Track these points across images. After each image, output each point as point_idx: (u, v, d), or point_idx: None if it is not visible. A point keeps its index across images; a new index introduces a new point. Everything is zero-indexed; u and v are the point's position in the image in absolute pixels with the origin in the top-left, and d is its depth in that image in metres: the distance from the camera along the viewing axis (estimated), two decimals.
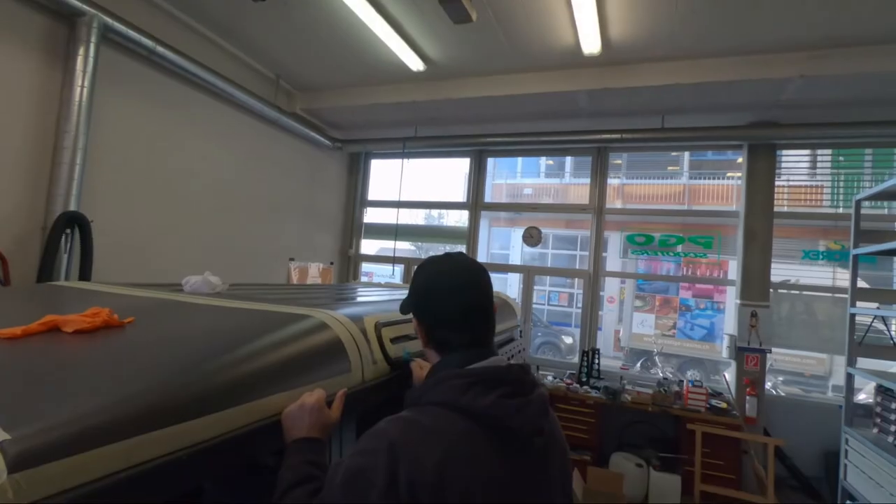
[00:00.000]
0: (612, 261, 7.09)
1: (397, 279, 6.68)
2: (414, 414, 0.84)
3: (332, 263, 6.67)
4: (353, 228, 6.97)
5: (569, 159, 12.16)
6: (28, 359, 0.77)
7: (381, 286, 3.16)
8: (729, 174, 9.03)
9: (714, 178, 9.46)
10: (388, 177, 7.08)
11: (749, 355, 4.76)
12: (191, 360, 0.81)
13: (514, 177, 12.83)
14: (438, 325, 0.99)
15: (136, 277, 3.75)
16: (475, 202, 6.39)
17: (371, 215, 7.12)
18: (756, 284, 4.92)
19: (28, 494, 0.51)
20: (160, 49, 3.81)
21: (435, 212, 9.64)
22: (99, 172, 3.58)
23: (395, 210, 6.65)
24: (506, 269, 8.69)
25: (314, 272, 6.25)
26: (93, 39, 3.38)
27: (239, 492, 1.07)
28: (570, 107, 4.85)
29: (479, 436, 0.81)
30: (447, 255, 1.05)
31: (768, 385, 4.98)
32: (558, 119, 5.17)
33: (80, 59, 3.35)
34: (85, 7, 3.31)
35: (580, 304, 11.86)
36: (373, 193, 7.11)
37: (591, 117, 5.08)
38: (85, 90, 3.38)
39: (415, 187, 6.68)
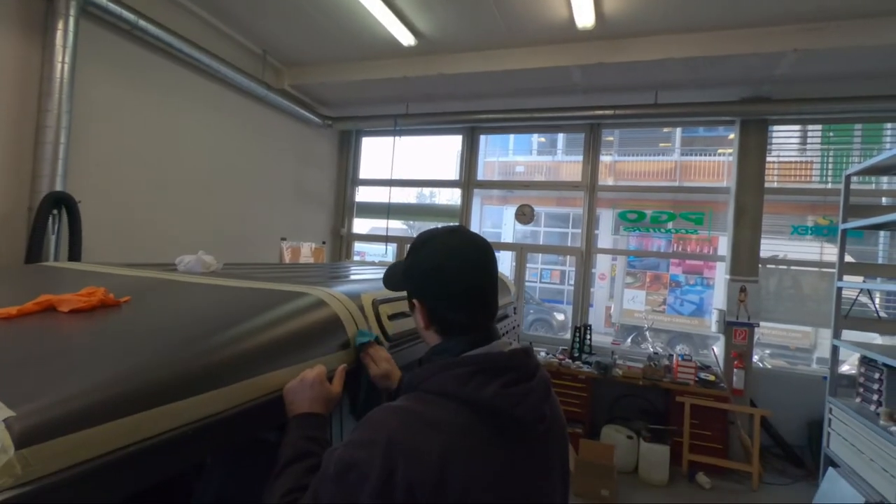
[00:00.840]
0: (604, 238, 7.14)
1: (390, 258, 6.68)
2: (413, 403, 0.80)
3: (324, 243, 6.64)
4: (344, 207, 6.92)
5: (561, 137, 12.09)
6: (26, 337, 0.76)
7: (375, 265, 3.16)
8: (720, 151, 9.05)
9: (705, 155, 9.48)
10: (379, 155, 7.01)
11: (737, 329, 4.85)
12: (192, 337, 0.81)
13: (505, 154, 12.76)
14: (443, 308, 0.93)
15: (126, 258, 3.71)
16: (467, 180, 6.36)
17: (363, 194, 7.07)
18: (745, 260, 4.98)
19: (36, 470, 0.51)
20: (143, 23, 3.69)
21: (426, 190, 9.62)
22: (84, 152, 3.50)
23: (386, 189, 6.60)
24: (498, 247, 8.71)
25: (306, 252, 6.22)
26: (72, 13, 3.27)
27: (241, 467, 1.09)
28: (563, 82, 4.79)
29: (480, 428, 0.78)
30: (452, 229, 0.97)
31: (755, 358, 5.09)
32: (552, 95, 5.12)
33: (59, 34, 3.24)
34: None
35: (572, 282, 11.98)
36: (364, 172, 7.04)
37: (585, 93, 5.04)
38: (66, 66, 3.27)
39: (407, 166, 6.62)
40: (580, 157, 6.00)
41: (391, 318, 1.33)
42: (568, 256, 11.44)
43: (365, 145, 7.05)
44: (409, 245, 1.02)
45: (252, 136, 5.17)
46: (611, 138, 8.32)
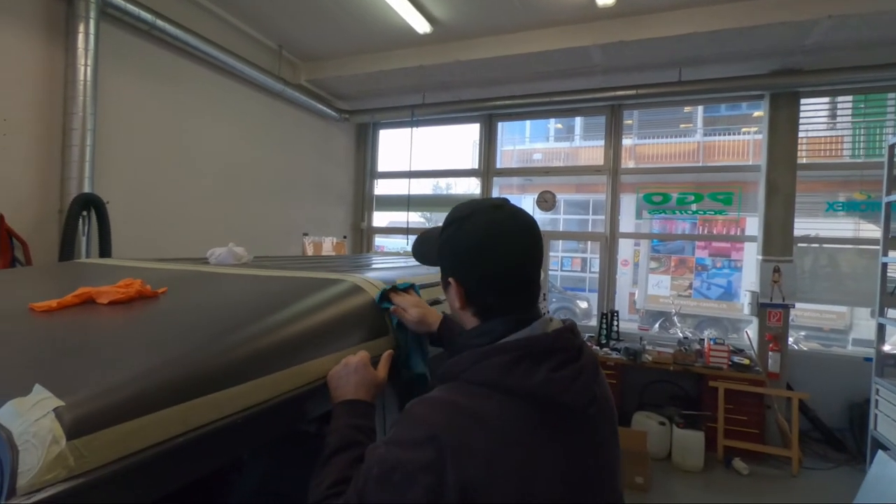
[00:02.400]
0: (626, 223, 7.00)
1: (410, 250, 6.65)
2: (456, 396, 0.74)
3: (345, 237, 6.66)
4: (364, 201, 6.92)
5: (578, 122, 11.87)
6: (68, 329, 0.75)
7: (399, 255, 3.14)
8: (744, 129, 8.77)
9: (729, 135, 9.19)
10: (396, 147, 6.98)
11: (772, 311, 4.71)
12: (234, 325, 0.79)
13: (522, 142, 12.59)
14: (483, 290, 0.85)
15: (152, 254, 3.76)
16: (487, 169, 6.28)
17: (381, 187, 7.05)
18: (778, 239, 4.82)
19: (88, 462, 0.49)
20: (160, 23, 3.70)
21: (442, 182, 9.50)
22: (109, 153, 3.55)
23: (404, 181, 6.58)
24: None
25: (328, 247, 6.25)
26: (92, 15, 3.29)
27: (284, 458, 1.07)
28: (583, 63, 4.67)
29: (530, 418, 0.73)
30: (497, 203, 0.87)
31: (790, 341, 4.94)
32: (571, 77, 5.00)
33: (80, 37, 3.27)
34: None
35: (594, 269, 11.81)
36: (382, 165, 7.02)
37: (606, 73, 4.91)
38: (88, 69, 3.31)
39: (423, 157, 6.58)
40: (599, 142, 5.88)
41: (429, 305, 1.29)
42: (589, 243, 11.29)
43: (382, 138, 7.03)
44: (446, 217, 0.92)
45: (270, 133, 5.18)
46: (630, 121, 8.13)
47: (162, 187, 4.01)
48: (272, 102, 5.13)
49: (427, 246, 1.00)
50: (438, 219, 8.59)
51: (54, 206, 3.26)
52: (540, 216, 9.90)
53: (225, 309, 0.89)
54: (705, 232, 9.00)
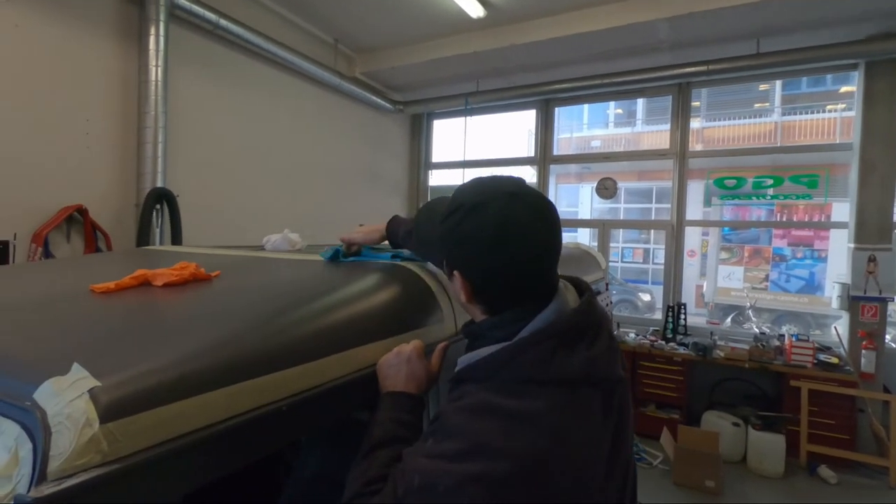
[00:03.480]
0: (694, 210, 6.56)
1: None
2: (495, 396, 0.68)
3: None
4: (418, 192, 6.92)
5: (640, 106, 11.29)
6: (121, 310, 0.75)
7: None
8: (829, 106, 7.94)
9: (811, 112, 8.38)
10: (449, 138, 6.93)
11: (866, 305, 4.23)
12: (283, 308, 0.76)
13: (580, 129, 12.12)
14: (496, 286, 0.77)
15: (218, 244, 3.94)
16: (543, 156, 6.09)
17: (434, 178, 7.03)
18: (874, 225, 4.32)
19: (123, 447, 0.46)
20: (223, 22, 3.84)
21: (496, 170, 9.35)
22: (179, 148, 3.73)
23: (457, 171, 6.51)
24: (577, 224, 8.34)
25: None
26: (161, 17, 3.45)
27: (342, 444, 1.04)
28: (647, 40, 4.38)
29: (579, 405, 0.69)
30: (513, 193, 0.76)
31: (887, 338, 4.43)
32: (634, 56, 4.71)
33: (152, 39, 3.45)
34: None
35: (657, 260, 11.25)
36: (436, 155, 6.99)
37: (672, 50, 4.58)
38: (159, 69, 3.48)
39: (477, 147, 6.48)
40: (663, 126, 5.54)
41: None
42: (652, 233, 10.74)
43: (436, 128, 6.99)
44: (451, 198, 0.82)
45: (326, 126, 5.28)
46: (697, 103, 7.62)
47: (226, 180, 4.18)
48: (328, 96, 5.22)
49: (428, 227, 0.91)
50: None
51: (131, 200, 3.47)
52: (597, 206, 9.52)
53: (274, 292, 0.86)
54: (783, 219, 8.29)
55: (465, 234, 0.76)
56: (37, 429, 0.44)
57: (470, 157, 6.32)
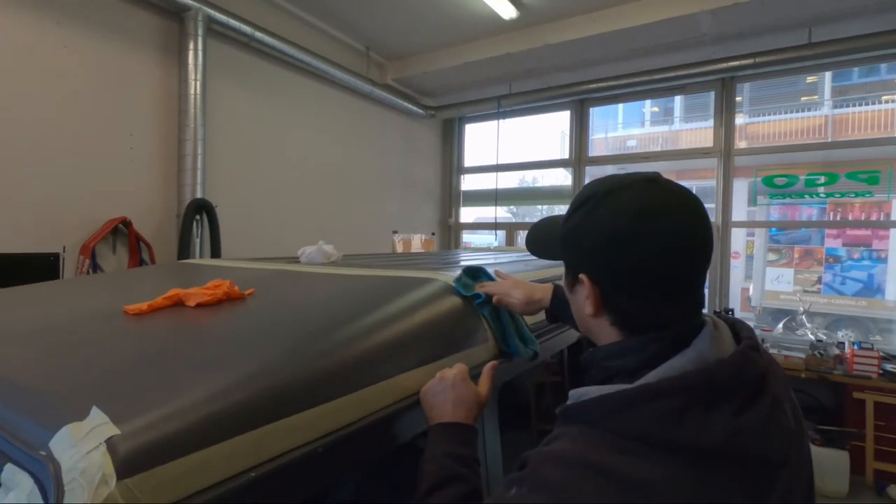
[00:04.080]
0: (738, 210, 6.26)
1: (497, 244, 6.50)
2: (600, 453, 0.54)
3: (433, 234, 6.67)
4: (451, 197, 6.88)
5: (678, 103, 10.89)
6: (150, 335, 0.71)
7: (489, 251, 3.00)
8: (885, 97, 7.45)
9: (865, 104, 7.87)
10: (481, 142, 6.86)
11: None
12: (317, 332, 0.70)
13: (614, 129, 11.81)
14: (631, 290, 0.63)
15: (256, 254, 3.99)
16: (578, 158, 5.93)
17: (467, 182, 6.98)
18: None
19: None
20: (258, 34, 3.90)
21: (528, 175, 9.17)
22: (217, 160, 3.80)
23: (489, 175, 6.43)
24: None
25: (417, 244, 6.30)
26: (200, 32, 3.53)
27: (381, 473, 0.98)
28: (689, 34, 4.20)
29: (709, 485, 0.52)
30: (650, 177, 0.65)
31: None
32: (674, 51, 4.52)
33: (191, 54, 3.53)
34: (190, 2, 3.45)
35: None
36: (469, 160, 6.94)
37: (715, 44, 4.37)
38: (198, 83, 3.56)
39: (509, 150, 6.38)
40: (703, 123, 5.31)
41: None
42: None
43: (468, 132, 6.94)
44: (574, 199, 0.71)
45: (359, 133, 5.30)
46: (739, 98, 7.29)
47: (262, 189, 4.24)
48: (360, 103, 5.24)
49: (546, 233, 0.78)
50: (525, 213, 8.31)
51: (172, 210, 3.56)
52: None
53: (307, 314, 0.81)
54: (837, 218, 7.80)
55: (595, 224, 0.65)
56: (50, 485, 0.40)
57: (502, 160, 6.22)
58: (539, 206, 7.92)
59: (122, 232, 3.28)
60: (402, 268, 1.30)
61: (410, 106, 5.76)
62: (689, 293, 0.63)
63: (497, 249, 3.08)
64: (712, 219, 5.17)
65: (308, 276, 1.14)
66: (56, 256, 2.95)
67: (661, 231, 0.61)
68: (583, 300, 0.67)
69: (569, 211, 0.71)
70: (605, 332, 0.67)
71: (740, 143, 5.42)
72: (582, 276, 0.66)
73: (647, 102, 11.82)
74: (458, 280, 1.00)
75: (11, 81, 2.76)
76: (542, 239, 0.80)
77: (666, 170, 8.34)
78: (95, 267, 3.12)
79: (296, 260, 1.51)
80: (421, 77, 5.44)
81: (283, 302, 0.92)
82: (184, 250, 3.45)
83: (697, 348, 0.59)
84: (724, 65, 4.44)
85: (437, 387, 0.75)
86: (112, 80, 3.22)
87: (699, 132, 7.62)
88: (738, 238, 8.95)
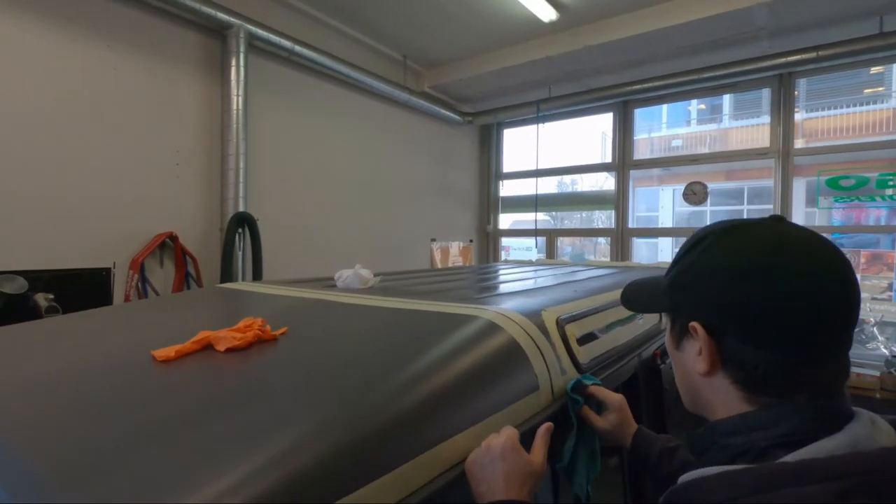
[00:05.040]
0: (796, 213, 5.86)
1: (534, 254, 6.34)
2: None
3: (471, 241, 6.58)
4: (489, 204, 6.77)
5: (726, 100, 10.36)
6: (173, 391, 0.66)
7: (530, 264, 2.88)
8: None
9: None
10: (519, 147, 6.72)
11: None
12: (348, 400, 0.61)
13: (658, 129, 11.35)
14: (763, 341, 0.51)
15: (296, 265, 4.03)
16: (622, 161, 5.71)
17: (505, 188, 6.86)
18: None
19: None
20: (298, 48, 3.95)
21: (567, 178, 8.92)
22: (258, 173, 3.86)
23: (527, 180, 6.29)
24: (658, 233, 7.80)
25: (455, 251, 6.23)
26: (241, 49, 3.60)
27: None
28: (743, 29, 3.95)
29: None
30: (775, 217, 0.57)
31: None
32: (726, 48, 4.27)
33: (233, 70, 3.60)
34: (232, 20, 3.52)
35: None
36: (507, 165, 6.82)
37: (771, 38, 4.10)
38: (240, 98, 3.62)
39: (547, 155, 6.22)
40: (755, 120, 5.00)
41: (581, 341, 1.04)
42: None
43: (506, 137, 6.82)
44: (685, 243, 0.63)
45: (396, 142, 5.29)
46: (795, 92, 6.85)
47: (302, 200, 4.28)
48: (397, 112, 5.23)
49: (645, 285, 0.70)
50: (564, 217, 8.08)
51: (216, 224, 3.63)
52: (679, 210, 8.77)
53: (342, 363, 0.73)
54: None
55: (716, 261, 0.56)
56: None
57: (542, 165, 6.07)
58: (578, 212, 7.67)
59: (168, 246, 3.37)
60: (441, 296, 1.23)
61: (447, 113, 5.71)
62: (837, 352, 0.51)
63: (539, 263, 2.96)
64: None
65: (343, 309, 1.08)
66: (108, 271, 3.05)
67: (806, 266, 0.50)
68: (693, 357, 0.57)
69: (678, 254, 0.63)
70: (722, 397, 0.55)
71: (798, 142, 5.05)
72: (694, 326, 0.56)
73: (693, 100, 11.32)
74: (574, 381, 0.92)
75: (67, 105, 2.88)
76: (642, 290, 0.71)
77: (714, 171, 7.95)
78: (144, 281, 3.22)
79: (332, 283, 1.46)
80: (458, 84, 5.38)
81: (316, 346, 0.86)
82: (227, 263, 3.51)
83: (853, 433, 0.47)
84: (783, 60, 4.15)
85: (484, 458, 0.66)
86: (159, 98, 3.31)
87: (751, 130, 7.19)
88: None
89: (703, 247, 0.58)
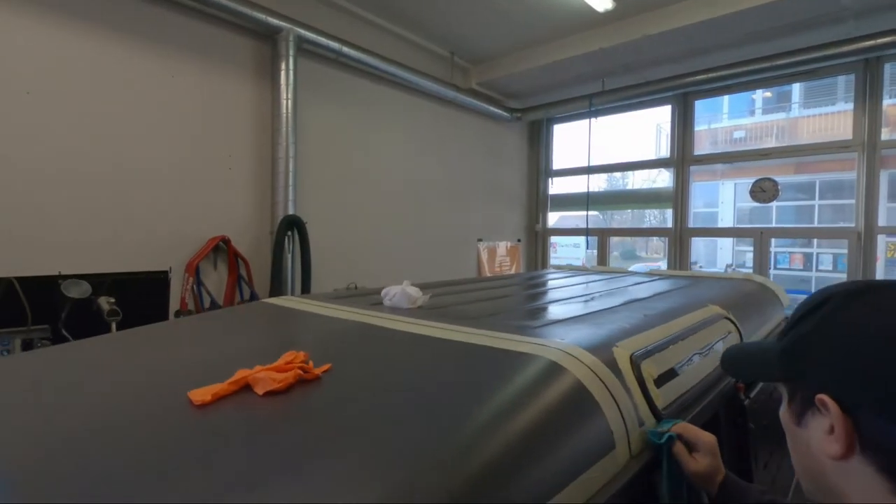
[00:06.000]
0: (879, 209, 5.30)
1: (583, 252, 6.09)
2: None
3: (519, 241, 6.42)
4: (537, 202, 6.58)
5: (796, 87, 9.57)
6: (204, 445, 0.59)
7: (584, 272, 2.71)
8: None
9: None
10: (570, 143, 6.48)
11: None
12: (387, 466, 0.53)
13: (718, 119, 10.63)
14: None
15: (344, 264, 4.04)
16: (682, 156, 5.37)
17: (555, 186, 6.63)
18: None
19: None
20: (346, 49, 3.93)
21: (618, 174, 8.51)
22: (307, 175, 3.88)
23: (575, 178, 6.06)
24: (720, 233, 7.34)
25: (502, 251, 6.09)
26: (291, 52, 3.62)
27: None
28: (824, 10, 3.58)
29: None
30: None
31: None
32: (803, 31, 3.89)
33: (283, 74, 3.62)
34: (282, 24, 3.54)
35: (822, 266, 9.43)
36: (557, 162, 6.59)
37: (858, 18, 3.69)
38: (290, 101, 3.65)
39: (599, 149, 5.95)
40: (829, 108, 4.57)
41: (658, 381, 0.91)
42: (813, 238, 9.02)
43: (556, 133, 6.60)
44: (796, 310, 0.57)
45: (442, 140, 5.21)
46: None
47: (349, 201, 4.28)
48: (444, 110, 5.15)
49: (750, 350, 0.65)
50: (613, 214, 7.70)
51: (266, 227, 3.68)
52: (744, 203, 8.19)
53: (385, 424, 0.64)
54: None
55: (849, 326, 0.50)
56: None
57: (593, 161, 5.80)
58: (629, 210, 7.28)
59: (221, 249, 3.45)
60: (494, 321, 1.13)
61: (495, 109, 5.57)
62: None
63: (594, 271, 2.78)
64: (852, 223, 4.41)
65: (390, 338, 1.00)
66: (165, 274, 3.14)
67: None
68: (821, 436, 0.50)
69: (790, 322, 0.57)
70: (859, 486, 0.47)
71: (884, 131, 4.55)
72: (823, 399, 0.49)
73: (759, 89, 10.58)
74: (659, 425, 0.82)
75: (128, 113, 2.98)
76: (751, 357, 0.64)
77: (782, 164, 7.38)
78: (199, 284, 3.30)
79: (379, 301, 1.39)
80: (506, 79, 5.22)
81: (362, 389, 0.78)
82: (277, 265, 3.55)
83: None
84: (871, 42, 3.74)
85: None
86: (213, 103, 3.38)
87: (825, 119, 6.59)
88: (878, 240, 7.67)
89: (824, 312, 0.52)
